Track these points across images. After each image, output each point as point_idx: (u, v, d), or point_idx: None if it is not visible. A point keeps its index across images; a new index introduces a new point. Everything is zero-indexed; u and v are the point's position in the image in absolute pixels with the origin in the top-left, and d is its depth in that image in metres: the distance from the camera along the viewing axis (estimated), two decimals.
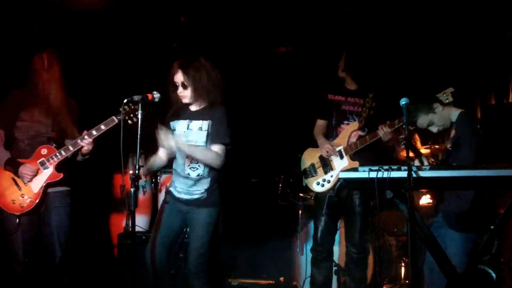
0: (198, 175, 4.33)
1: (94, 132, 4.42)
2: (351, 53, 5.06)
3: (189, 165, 4.33)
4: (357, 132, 4.91)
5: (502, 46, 6.43)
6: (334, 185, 4.94)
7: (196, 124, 4.33)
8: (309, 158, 5.14)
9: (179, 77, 4.29)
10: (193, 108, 4.40)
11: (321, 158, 5.04)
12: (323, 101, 5.11)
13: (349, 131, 4.94)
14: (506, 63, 6.55)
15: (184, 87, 4.28)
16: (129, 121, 4.19)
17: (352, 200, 4.92)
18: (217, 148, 4.28)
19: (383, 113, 4.92)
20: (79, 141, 4.41)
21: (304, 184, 5.17)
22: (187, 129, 4.35)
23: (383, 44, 6.73)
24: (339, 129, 5.01)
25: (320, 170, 5.04)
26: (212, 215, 4.33)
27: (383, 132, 4.71)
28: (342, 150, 4.93)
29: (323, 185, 4.99)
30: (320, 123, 5.16)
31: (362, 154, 4.86)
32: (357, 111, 4.97)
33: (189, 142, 4.29)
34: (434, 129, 4.46)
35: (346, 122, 5.00)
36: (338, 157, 4.94)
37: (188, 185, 4.35)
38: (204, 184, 4.33)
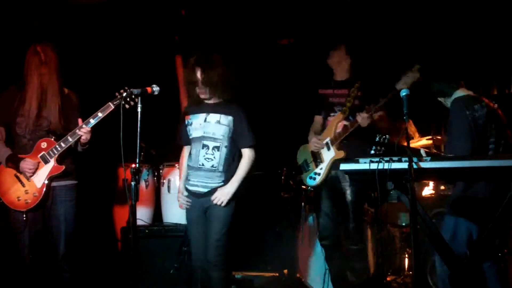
0: (212, 166, 4.39)
1: (91, 120, 4.38)
2: (353, 43, 5.11)
3: (204, 156, 4.40)
4: (343, 123, 4.93)
5: (504, 37, 6.41)
6: (326, 176, 4.98)
7: (213, 117, 4.42)
8: (303, 154, 5.27)
9: (197, 75, 4.37)
10: (210, 102, 4.47)
11: (313, 153, 5.12)
12: (316, 96, 5.21)
13: (335, 122, 4.98)
14: (508, 54, 6.53)
15: (204, 83, 4.37)
16: (127, 106, 4.18)
17: (343, 191, 4.94)
18: (247, 151, 4.46)
19: (368, 102, 4.92)
20: (77, 131, 4.40)
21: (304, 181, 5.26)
22: (204, 121, 4.43)
23: (384, 33, 6.73)
24: (327, 122, 5.08)
25: (312, 165, 5.13)
26: (231, 208, 4.39)
27: (361, 118, 4.73)
28: (329, 142, 4.97)
29: (315, 179, 5.05)
30: (318, 119, 5.24)
31: (349, 144, 4.90)
32: (343, 102, 5.00)
33: (206, 134, 4.40)
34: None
35: (332, 114, 5.05)
36: (326, 149, 5.00)
37: (201, 177, 4.40)
38: (219, 178, 4.39)
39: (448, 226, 4.19)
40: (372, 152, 3.87)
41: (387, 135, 3.80)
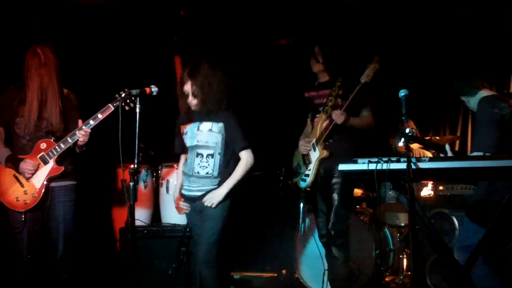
0: (207, 173, 4.39)
1: (91, 122, 4.39)
2: (325, 44, 5.13)
3: (198, 164, 4.41)
4: (327, 122, 4.93)
5: (503, 36, 6.42)
6: (315, 177, 4.99)
7: (205, 125, 4.42)
8: (296, 158, 5.31)
9: (188, 87, 4.40)
10: (202, 110, 4.46)
11: (303, 155, 5.16)
12: (304, 100, 5.26)
13: (319, 123, 5.00)
14: (506, 54, 6.54)
15: (194, 96, 4.39)
16: (126, 107, 4.18)
17: (331, 189, 4.94)
18: (244, 154, 4.43)
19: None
20: (77, 132, 4.39)
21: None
22: (197, 130, 4.44)
23: (380, 34, 6.73)
24: (314, 124, 5.10)
25: (303, 167, 5.15)
26: (225, 208, 4.38)
27: (334, 115, 4.78)
28: (314, 142, 4.99)
29: (305, 180, 5.07)
30: (308, 122, 5.27)
31: (335, 145, 4.92)
32: (325, 102, 5.01)
33: (199, 143, 4.40)
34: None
35: (317, 115, 5.07)
36: (312, 150, 5.02)
37: (196, 182, 4.41)
38: (213, 183, 4.38)
39: (467, 227, 4.24)
40: (401, 144, 3.84)
41: (416, 128, 3.80)
